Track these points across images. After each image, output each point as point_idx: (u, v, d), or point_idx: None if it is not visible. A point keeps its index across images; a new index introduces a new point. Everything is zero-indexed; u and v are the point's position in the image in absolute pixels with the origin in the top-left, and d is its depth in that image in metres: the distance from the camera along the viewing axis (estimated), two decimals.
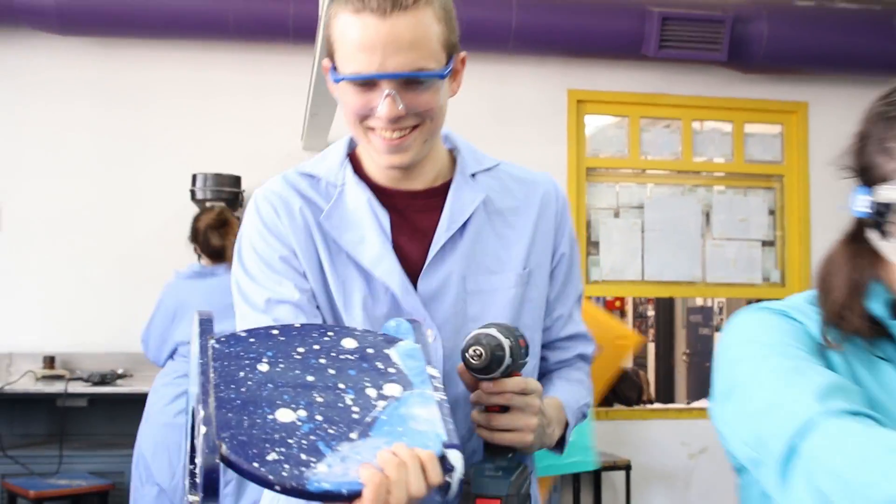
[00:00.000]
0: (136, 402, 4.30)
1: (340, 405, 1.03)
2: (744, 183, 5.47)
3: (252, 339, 1.08)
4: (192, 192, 4.62)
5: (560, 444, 1.37)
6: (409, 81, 1.25)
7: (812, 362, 1.02)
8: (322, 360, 1.08)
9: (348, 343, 1.12)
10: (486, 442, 1.23)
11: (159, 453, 3.52)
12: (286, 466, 0.94)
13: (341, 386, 1.05)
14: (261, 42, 4.88)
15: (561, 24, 4.84)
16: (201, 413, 0.95)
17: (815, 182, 5.43)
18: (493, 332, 1.19)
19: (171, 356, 3.63)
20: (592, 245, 5.29)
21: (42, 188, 4.84)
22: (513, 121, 5.14)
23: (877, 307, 1.06)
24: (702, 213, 5.39)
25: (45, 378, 4.44)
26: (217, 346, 1.06)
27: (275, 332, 1.11)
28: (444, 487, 1.00)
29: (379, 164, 1.35)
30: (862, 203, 1.05)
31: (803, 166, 5.44)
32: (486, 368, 1.18)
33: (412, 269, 1.35)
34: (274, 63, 4.96)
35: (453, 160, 1.44)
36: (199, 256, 3.79)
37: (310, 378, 1.05)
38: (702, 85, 5.32)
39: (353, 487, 0.95)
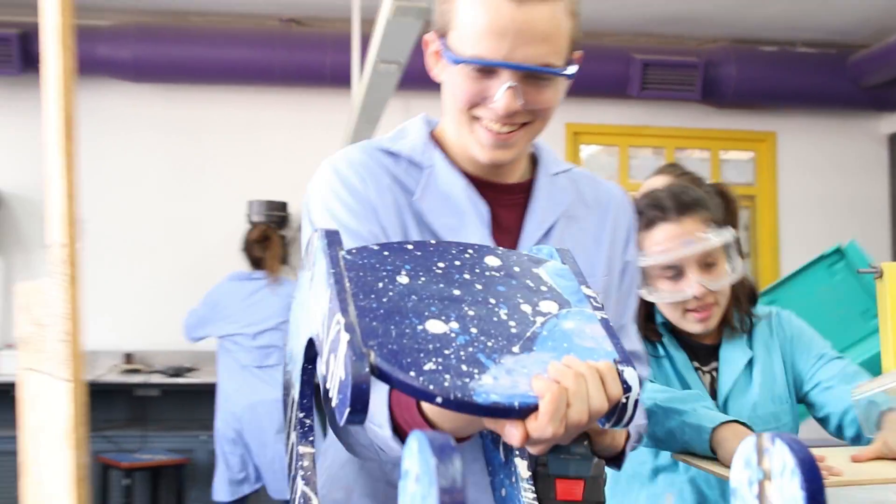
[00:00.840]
0: (202, 393, 5.14)
1: (495, 319, 0.90)
2: None
3: (386, 253, 0.95)
4: (248, 216, 5.40)
5: (619, 458, 1.20)
6: (533, 76, 1.16)
7: None
8: (466, 276, 0.95)
9: (491, 261, 0.99)
10: None
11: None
12: (447, 377, 0.82)
13: (492, 301, 0.92)
14: (302, 86, 5.58)
15: None
16: (340, 321, 0.81)
17: (783, 201, 6.09)
18: None
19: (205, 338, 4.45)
20: None
21: (120, 211, 5.53)
22: None
23: (659, 319, 1.88)
24: None
25: (125, 372, 5.19)
26: (349, 257, 0.93)
27: (409, 246, 0.98)
28: (620, 410, 0.88)
29: (476, 156, 1.24)
30: None
31: (773, 188, 6.11)
32: None
33: None
34: (313, 103, 5.65)
35: (531, 157, 1.36)
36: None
37: (456, 292, 0.92)
38: (681, 118, 6.01)
39: (525, 400, 0.83)
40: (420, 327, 0.86)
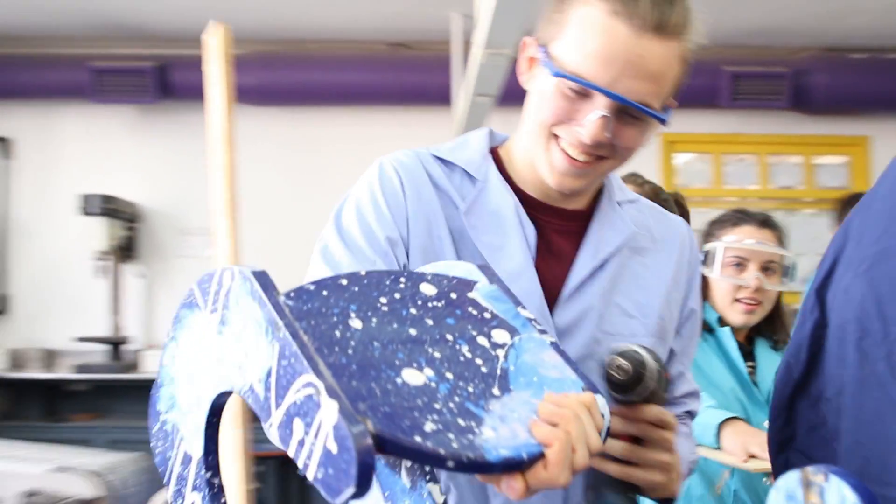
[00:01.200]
0: None
1: (462, 359, 0.86)
2: (815, 206, 6.23)
3: (324, 293, 0.87)
4: None
5: (670, 501, 1.15)
6: (627, 111, 1.10)
7: None
8: (413, 311, 0.90)
9: (427, 289, 0.94)
10: (607, 475, 1.05)
11: None
12: (451, 436, 0.76)
13: (449, 337, 0.88)
14: (407, 105, 5.96)
15: None
16: (317, 385, 0.71)
17: None
18: (639, 348, 1.03)
19: None
20: None
21: (246, 223, 6.06)
22: None
23: (708, 315, 2.18)
24: None
25: None
26: (290, 303, 0.83)
27: (343, 281, 0.90)
28: None
29: (545, 178, 1.19)
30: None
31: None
32: (626, 387, 1.02)
33: (546, 293, 1.19)
34: (417, 120, 6.02)
35: (597, 186, 1.29)
36: None
37: (412, 331, 0.87)
38: (773, 125, 6.15)
39: (531, 450, 0.80)
40: (399, 380, 0.80)
